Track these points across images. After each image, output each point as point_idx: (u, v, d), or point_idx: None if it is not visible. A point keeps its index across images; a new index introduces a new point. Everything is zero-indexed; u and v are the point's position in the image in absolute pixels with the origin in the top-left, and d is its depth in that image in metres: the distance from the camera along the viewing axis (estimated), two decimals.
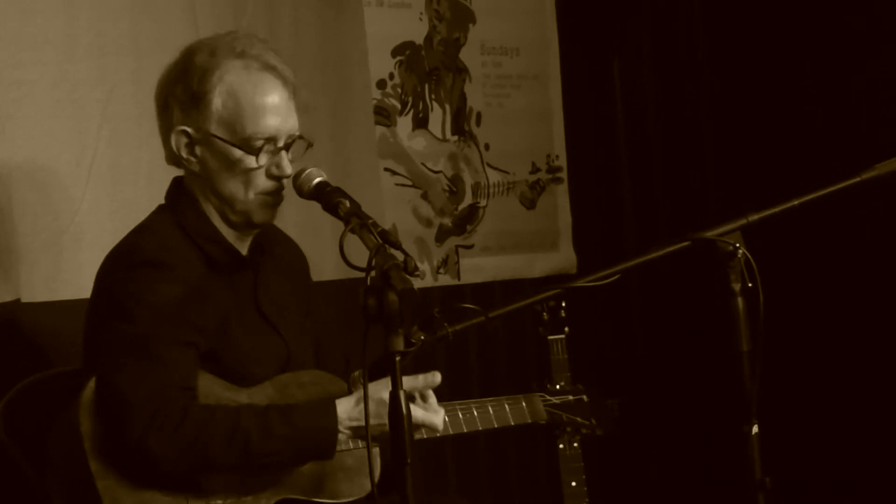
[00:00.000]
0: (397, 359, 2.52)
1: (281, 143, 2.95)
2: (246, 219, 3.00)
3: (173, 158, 3.03)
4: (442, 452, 4.59)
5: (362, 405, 2.84)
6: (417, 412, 2.89)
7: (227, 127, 2.93)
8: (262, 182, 2.96)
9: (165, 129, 3.01)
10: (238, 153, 2.93)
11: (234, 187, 2.96)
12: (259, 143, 2.93)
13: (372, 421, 2.73)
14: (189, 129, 2.95)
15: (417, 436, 2.93)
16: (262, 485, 2.93)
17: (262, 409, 2.89)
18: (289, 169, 2.95)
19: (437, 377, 2.97)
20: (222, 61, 2.94)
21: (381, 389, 2.80)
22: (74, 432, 2.80)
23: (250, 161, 2.93)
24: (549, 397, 3.36)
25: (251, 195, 2.96)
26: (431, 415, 2.96)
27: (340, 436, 2.89)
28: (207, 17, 3.98)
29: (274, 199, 2.99)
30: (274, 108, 2.95)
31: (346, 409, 2.90)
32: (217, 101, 2.93)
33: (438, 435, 3.00)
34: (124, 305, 2.85)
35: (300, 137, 2.99)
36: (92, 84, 3.72)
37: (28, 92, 3.58)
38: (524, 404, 3.32)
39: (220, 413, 2.84)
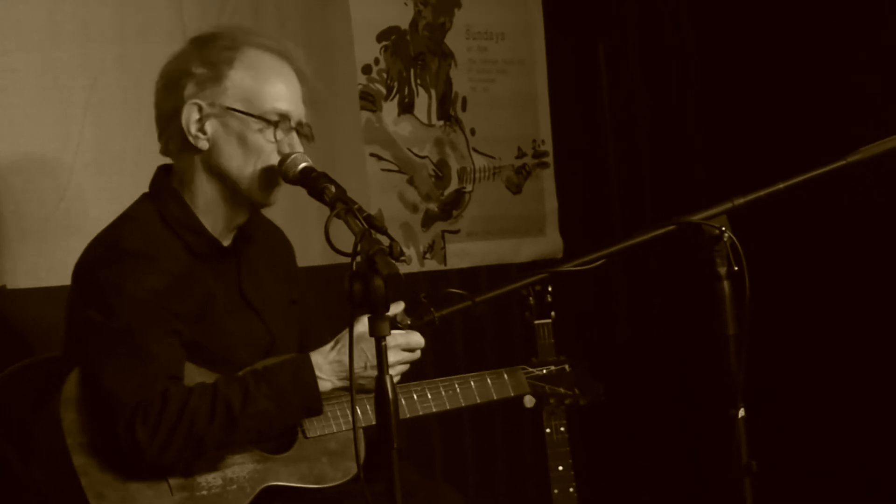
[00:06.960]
0: (383, 343, 2.53)
1: (293, 124, 2.99)
2: (251, 198, 3.00)
3: (169, 147, 3.02)
4: (428, 437, 4.59)
5: (338, 346, 2.91)
6: (398, 338, 2.93)
7: (245, 101, 2.96)
8: (273, 159, 2.97)
9: (168, 111, 2.99)
10: (256, 125, 2.96)
11: (244, 163, 2.97)
12: (275, 117, 2.96)
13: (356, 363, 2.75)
14: (202, 103, 2.96)
15: (402, 367, 2.96)
16: (246, 474, 2.93)
17: (239, 375, 2.91)
18: (300, 148, 2.98)
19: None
20: (242, 45, 2.99)
21: (357, 328, 2.79)
22: (56, 428, 2.80)
23: (267, 134, 2.96)
24: (531, 370, 3.37)
25: (259, 171, 2.97)
26: (410, 334, 2.98)
27: (324, 384, 2.92)
28: (192, 2, 3.97)
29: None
30: (289, 91, 3.00)
31: (322, 352, 2.94)
32: (236, 77, 2.96)
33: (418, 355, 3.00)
34: (108, 299, 2.85)
35: (308, 126, 3.04)
36: (76, 71, 3.71)
37: (12, 79, 3.58)
38: (506, 377, 3.33)
39: (198, 388, 2.85)
